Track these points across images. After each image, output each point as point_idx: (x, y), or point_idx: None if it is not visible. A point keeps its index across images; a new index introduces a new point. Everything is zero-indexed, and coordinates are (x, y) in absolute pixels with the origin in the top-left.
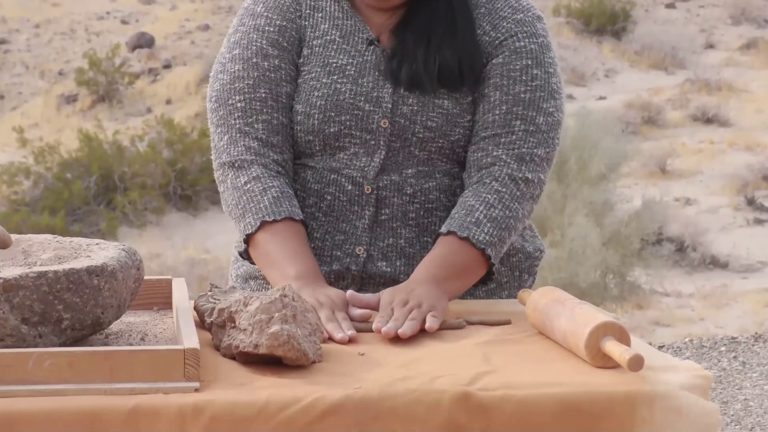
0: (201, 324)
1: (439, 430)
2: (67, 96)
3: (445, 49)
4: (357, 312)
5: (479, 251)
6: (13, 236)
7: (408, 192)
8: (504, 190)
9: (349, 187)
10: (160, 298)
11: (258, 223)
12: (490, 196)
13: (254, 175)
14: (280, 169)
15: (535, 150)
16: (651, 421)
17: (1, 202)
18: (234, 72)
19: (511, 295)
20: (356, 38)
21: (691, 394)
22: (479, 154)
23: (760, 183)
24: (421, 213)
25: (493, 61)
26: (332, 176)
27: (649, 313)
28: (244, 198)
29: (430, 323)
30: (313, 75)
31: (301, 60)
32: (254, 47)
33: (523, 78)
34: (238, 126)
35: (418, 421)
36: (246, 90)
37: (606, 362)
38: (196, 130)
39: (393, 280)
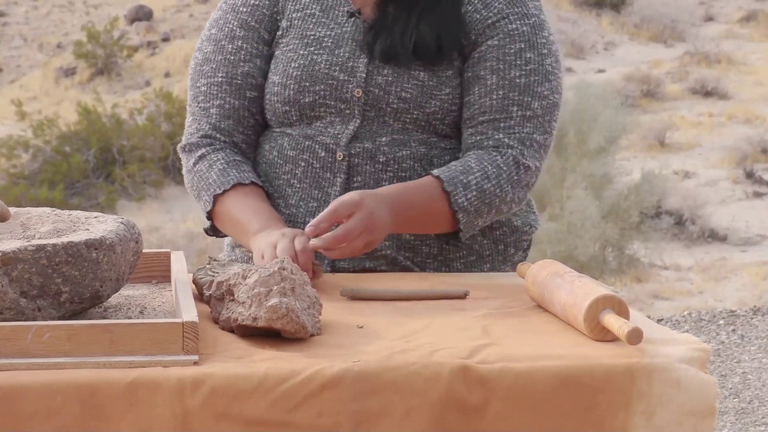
0: (200, 297)
1: (439, 402)
2: (66, 69)
3: (423, 23)
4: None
5: (452, 212)
6: (12, 209)
7: (381, 160)
8: (505, 168)
9: (323, 154)
10: (158, 271)
11: (212, 199)
12: (490, 168)
13: (199, 154)
14: (226, 147)
15: (534, 135)
16: (649, 394)
17: (0, 175)
18: (206, 53)
19: (493, 268)
20: (336, 11)
21: (690, 366)
22: (478, 137)
23: (759, 156)
24: (395, 181)
25: (488, 43)
26: (307, 143)
27: (648, 287)
28: (196, 179)
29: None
30: (291, 47)
31: (280, 32)
32: (227, 29)
33: (518, 62)
34: (196, 111)
35: (417, 394)
36: (209, 73)
37: (605, 335)
38: None
39: None
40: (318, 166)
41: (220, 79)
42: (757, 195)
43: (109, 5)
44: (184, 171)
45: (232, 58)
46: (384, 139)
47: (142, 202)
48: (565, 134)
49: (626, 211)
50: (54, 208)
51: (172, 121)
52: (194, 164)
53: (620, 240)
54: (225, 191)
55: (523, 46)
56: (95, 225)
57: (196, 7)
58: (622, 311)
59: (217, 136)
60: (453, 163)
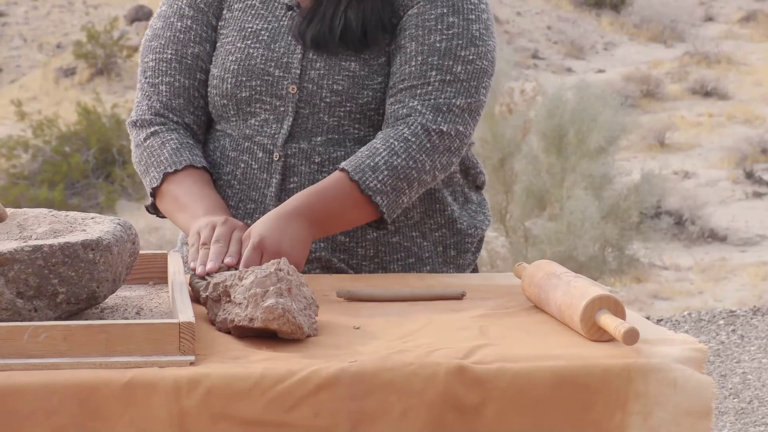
0: (196, 298)
1: (436, 403)
2: (66, 69)
3: (351, 9)
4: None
5: (366, 197)
6: (9, 210)
7: (316, 161)
8: (413, 139)
9: (260, 155)
10: (155, 272)
11: (161, 176)
12: (396, 143)
13: (152, 130)
14: (179, 128)
15: (454, 100)
16: (646, 394)
17: (0, 175)
18: (155, 29)
19: (434, 270)
20: (276, 4)
21: (687, 367)
22: (396, 106)
23: (759, 156)
24: None
25: (409, 12)
26: (246, 143)
27: (648, 287)
28: (146, 154)
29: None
30: (229, 39)
31: (222, 23)
32: (176, 6)
33: (439, 27)
34: (145, 86)
35: (414, 395)
36: (158, 49)
37: (601, 335)
38: None
39: None
40: (256, 167)
41: (169, 56)
42: (757, 195)
43: (109, 5)
44: (132, 146)
45: (182, 36)
46: (319, 138)
47: (141, 202)
48: (565, 134)
49: (626, 212)
50: (51, 209)
51: None
52: (145, 139)
53: (620, 240)
54: (176, 171)
55: (445, 10)
56: (92, 226)
57: None
58: (618, 311)
59: (169, 115)
60: (361, 149)
